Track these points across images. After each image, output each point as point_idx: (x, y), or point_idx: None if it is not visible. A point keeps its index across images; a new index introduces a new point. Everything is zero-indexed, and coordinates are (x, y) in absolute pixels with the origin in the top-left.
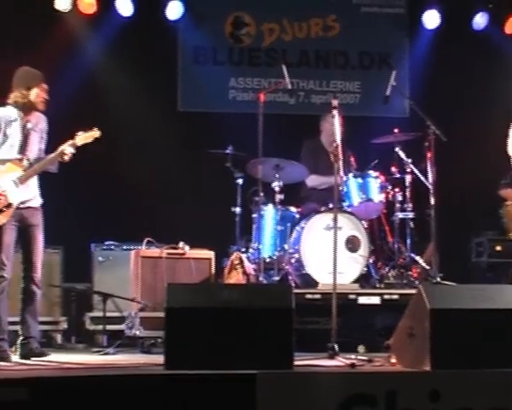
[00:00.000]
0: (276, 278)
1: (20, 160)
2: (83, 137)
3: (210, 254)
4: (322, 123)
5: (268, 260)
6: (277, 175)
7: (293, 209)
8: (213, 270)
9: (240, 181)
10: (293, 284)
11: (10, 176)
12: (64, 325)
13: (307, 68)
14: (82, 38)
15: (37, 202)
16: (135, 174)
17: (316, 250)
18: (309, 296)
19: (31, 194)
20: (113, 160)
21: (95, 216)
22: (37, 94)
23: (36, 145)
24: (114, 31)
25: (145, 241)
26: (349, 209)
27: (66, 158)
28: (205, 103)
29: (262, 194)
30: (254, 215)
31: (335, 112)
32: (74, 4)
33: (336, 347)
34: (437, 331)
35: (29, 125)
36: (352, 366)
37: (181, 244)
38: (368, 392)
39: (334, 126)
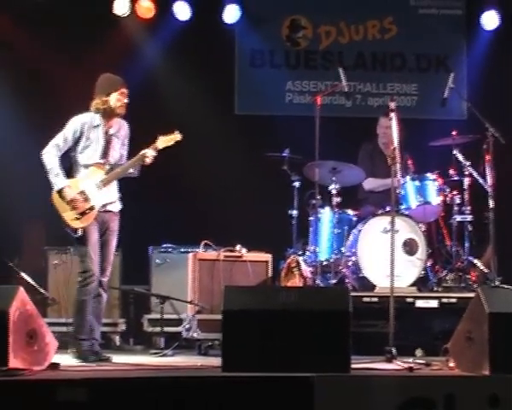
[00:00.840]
0: (333, 282)
1: (103, 163)
2: (164, 141)
3: (267, 256)
4: (379, 126)
5: (325, 263)
6: (334, 178)
7: (350, 212)
8: (270, 273)
9: (297, 184)
10: (350, 287)
11: (93, 179)
12: (122, 327)
13: (364, 71)
14: (140, 42)
15: (116, 206)
16: (192, 177)
17: (373, 253)
18: (366, 299)
19: (112, 197)
20: (171, 163)
21: (152, 219)
22: (116, 99)
23: (117, 151)
24: (172, 35)
25: (202, 243)
26: (406, 212)
27: (148, 161)
28: (262, 106)
29: (319, 197)
30: (311, 218)
31: (393, 114)
32: (132, 9)
33: (394, 350)
34: (496, 335)
35: (111, 131)
36: (410, 369)
37: (238, 247)
38: (426, 396)
39: (392, 129)
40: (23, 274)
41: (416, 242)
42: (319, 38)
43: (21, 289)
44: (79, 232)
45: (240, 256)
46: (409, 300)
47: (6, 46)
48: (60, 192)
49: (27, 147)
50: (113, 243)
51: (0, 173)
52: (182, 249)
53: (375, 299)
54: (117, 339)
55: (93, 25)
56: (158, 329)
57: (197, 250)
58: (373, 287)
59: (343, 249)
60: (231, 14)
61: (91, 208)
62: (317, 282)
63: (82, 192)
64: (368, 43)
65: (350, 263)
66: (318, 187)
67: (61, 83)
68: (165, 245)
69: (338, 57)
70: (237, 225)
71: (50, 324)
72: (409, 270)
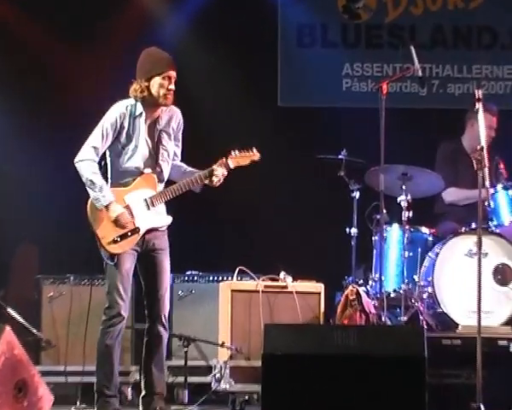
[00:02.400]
0: (404, 319)
1: (154, 173)
2: (237, 159)
3: (319, 287)
4: (468, 120)
5: (393, 294)
6: (405, 187)
7: (424, 230)
8: (323, 307)
9: (356, 194)
10: (425, 326)
11: (142, 193)
12: (135, 376)
13: (443, 50)
14: (159, 16)
15: (163, 221)
16: (222, 186)
17: (454, 283)
18: (446, 342)
19: (161, 220)
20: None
21: (173, 240)
22: (159, 85)
23: (169, 151)
24: (198, 7)
25: (237, 270)
26: (498, 230)
27: (216, 181)
28: (311, 96)
29: (385, 211)
30: (375, 238)
31: (479, 105)
32: None
33: (482, 408)
34: None
35: (158, 126)
36: None
37: (282, 275)
38: None
39: (479, 124)
40: (10, 310)
41: (510, 268)
42: (385, 9)
43: (8, 328)
44: (116, 259)
45: (284, 286)
46: (502, 343)
47: None
48: (105, 209)
49: (19, 153)
50: (167, 263)
51: None
52: (211, 278)
53: (458, 341)
54: (129, 392)
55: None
56: (181, 379)
57: (230, 279)
58: (455, 326)
59: (416, 278)
60: None
61: (135, 231)
62: (384, 319)
63: (127, 207)
64: (448, 13)
65: (425, 295)
66: (384, 198)
67: (67, 71)
68: (189, 272)
69: (409, 33)
70: (281, 246)
71: (44, 373)
72: (501, 304)
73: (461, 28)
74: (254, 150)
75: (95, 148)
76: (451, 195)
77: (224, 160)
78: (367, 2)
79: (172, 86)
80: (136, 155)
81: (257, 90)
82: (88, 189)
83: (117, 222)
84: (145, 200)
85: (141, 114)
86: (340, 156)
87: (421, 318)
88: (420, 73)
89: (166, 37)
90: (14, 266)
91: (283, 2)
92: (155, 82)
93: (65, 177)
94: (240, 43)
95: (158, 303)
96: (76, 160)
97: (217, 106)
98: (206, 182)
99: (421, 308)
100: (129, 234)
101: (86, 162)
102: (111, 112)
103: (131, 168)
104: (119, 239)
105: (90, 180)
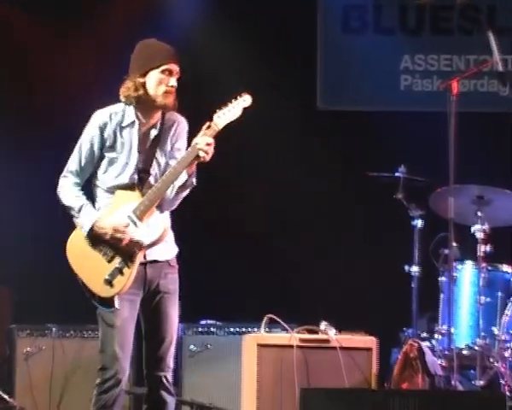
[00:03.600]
0: (480, 383)
1: (137, 183)
2: (223, 115)
3: (370, 341)
4: None
5: (465, 352)
6: (480, 213)
7: (506, 269)
8: (375, 367)
9: (418, 223)
10: (507, 393)
11: (124, 209)
12: None
13: None
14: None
15: (168, 251)
16: (248, 210)
17: None
18: None
19: (167, 250)
20: (214, 188)
21: (184, 280)
22: (157, 81)
23: (162, 166)
24: None
25: (265, 319)
26: None
27: (203, 154)
28: (359, 97)
29: (455, 244)
30: (442, 279)
31: None
32: None
33: None
34: None
35: (153, 133)
36: None
37: (323, 325)
38: None
39: None
40: None
41: None
42: None
43: None
44: (117, 305)
45: (325, 340)
46: None
47: None
48: (90, 235)
49: None
50: (174, 311)
51: None
52: (231, 329)
53: None
54: None
55: None
56: None
57: (256, 330)
58: None
59: (496, 330)
60: None
61: (137, 248)
62: (453, 383)
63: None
64: None
65: (507, 353)
66: (454, 228)
67: (60, 64)
68: (204, 322)
69: (487, 15)
70: (321, 288)
71: None
72: None
73: None
74: (243, 95)
75: (71, 172)
76: None
77: (207, 124)
78: None
79: (174, 82)
80: (126, 172)
81: (291, 89)
82: (73, 218)
83: (112, 239)
84: (129, 216)
85: (133, 122)
86: (397, 174)
87: (502, 382)
88: (501, 68)
89: (178, 22)
90: None
91: None
92: (152, 77)
93: (46, 202)
94: (269, 30)
95: (159, 361)
96: (57, 189)
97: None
98: (195, 160)
99: (503, 369)
100: (134, 259)
101: (63, 189)
102: (89, 125)
103: (116, 186)
104: (112, 279)
105: (68, 206)
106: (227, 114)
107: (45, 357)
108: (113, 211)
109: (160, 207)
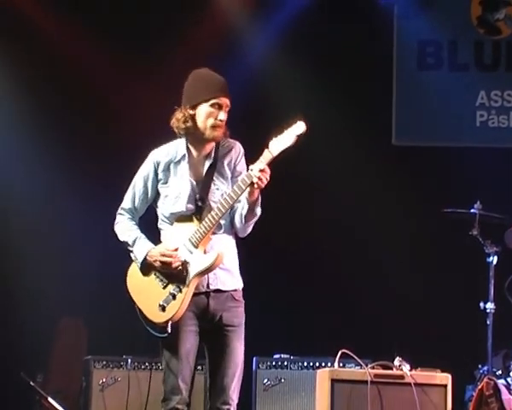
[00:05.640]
0: None
1: (193, 211)
2: (279, 141)
3: (444, 378)
4: None
5: None
6: None
7: None
8: (450, 404)
9: (494, 259)
10: None
11: (180, 237)
12: None
13: None
14: (242, 29)
15: (231, 280)
16: (325, 245)
17: None
18: None
19: (232, 280)
20: (289, 223)
21: (256, 314)
22: (206, 115)
23: (223, 192)
24: (292, 18)
25: (339, 354)
26: None
27: (256, 181)
28: (435, 133)
29: None
30: None
31: None
32: None
33: None
34: None
35: (207, 163)
36: None
37: (397, 361)
38: None
39: None
40: (51, 400)
41: None
42: None
43: None
44: (169, 328)
45: (400, 376)
46: None
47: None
48: (143, 265)
49: (60, 201)
50: (236, 344)
51: (23, 247)
52: (305, 363)
53: None
54: None
55: (171, 6)
56: None
57: (330, 365)
58: None
59: None
60: None
61: (183, 268)
62: None
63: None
64: None
65: None
66: None
67: (122, 94)
68: (277, 356)
69: None
70: (395, 324)
71: None
72: None
73: None
74: (297, 122)
75: (124, 209)
76: None
77: (264, 153)
78: (509, 11)
79: (223, 116)
80: (180, 203)
81: (366, 124)
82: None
83: (163, 265)
84: (184, 244)
85: (183, 156)
86: (472, 210)
87: None
88: None
89: (250, 55)
90: (58, 346)
91: (401, 14)
92: (202, 110)
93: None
94: (342, 66)
95: (222, 394)
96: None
97: (313, 147)
98: (249, 187)
99: None
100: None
101: (118, 226)
102: (144, 163)
103: (177, 216)
104: (166, 305)
105: (123, 241)
106: (281, 141)
107: (120, 388)
108: (169, 241)
109: (234, 234)
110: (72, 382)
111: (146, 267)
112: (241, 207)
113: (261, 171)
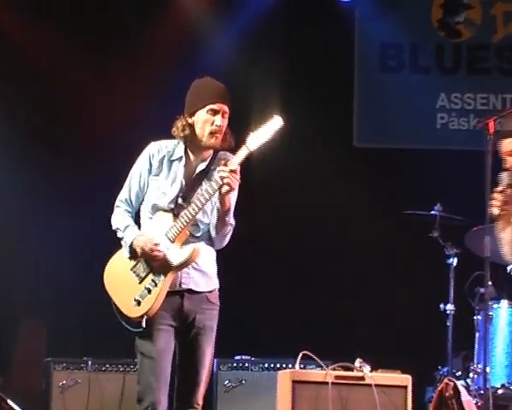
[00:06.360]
0: None
1: (173, 208)
2: (258, 136)
3: (405, 379)
4: None
5: (501, 391)
6: None
7: None
8: (410, 405)
9: (454, 261)
10: None
11: (161, 228)
12: None
13: None
14: (205, 30)
15: (207, 281)
16: (282, 247)
17: None
18: None
19: (207, 281)
20: (251, 224)
21: (219, 317)
22: (203, 121)
23: (211, 206)
24: (254, 19)
25: (300, 356)
26: None
27: (227, 181)
28: (396, 135)
29: (491, 283)
30: (478, 317)
31: None
32: None
33: None
34: None
35: (199, 167)
36: None
37: (357, 363)
38: None
39: None
40: (11, 402)
41: None
42: (493, 24)
43: None
44: (143, 323)
45: (360, 377)
46: None
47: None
48: (130, 250)
49: (18, 205)
50: (206, 348)
51: None
52: (266, 365)
53: None
54: None
55: (134, 6)
56: None
57: (291, 366)
58: None
59: None
60: None
61: (167, 267)
62: None
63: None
64: None
65: None
66: (490, 266)
67: (87, 97)
68: (239, 358)
69: None
70: (356, 325)
71: None
72: None
73: None
74: (274, 117)
75: (121, 201)
76: None
77: (242, 148)
78: (469, 15)
79: (219, 121)
80: (165, 199)
81: (327, 126)
82: (120, 240)
83: (144, 253)
84: (165, 233)
85: (180, 158)
86: (432, 212)
87: None
88: None
89: (215, 58)
90: (17, 348)
91: (362, 17)
92: (199, 117)
93: (80, 234)
94: (303, 67)
95: (188, 396)
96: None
97: (276, 148)
98: (220, 189)
99: None
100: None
101: (114, 217)
102: (140, 156)
103: (156, 208)
104: (141, 299)
105: (116, 228)
106: (259, 136)
107: (81, 390)
108: (150, 230)
109: (212, 246)
110: (33, 384)
111: (131, 253)
112: (216, 218)
113: (230, 171)
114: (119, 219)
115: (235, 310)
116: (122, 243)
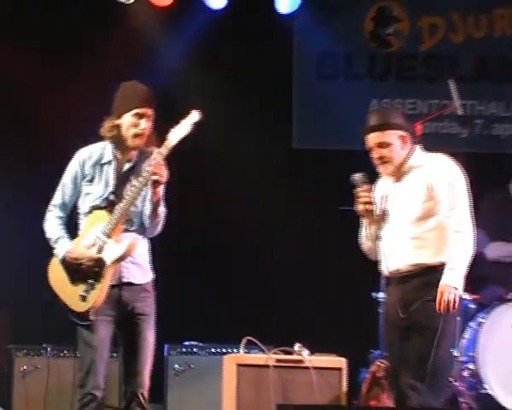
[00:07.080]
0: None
1: (106, 206)
2: (178, 131)
3: (340, 361)
4: None
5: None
6: None
7: (465, 296)
8: (345, 386)
9: None
10: None
11: (97, 226)
12: None
13: (488, 84)
14: (155, 40)
15: (143, 274)
16: (227, 242)
17: (501, 359)
18: None
19: (142, 273)
20: (195, 221)
21: (168, 304)
22: (128, 124)
23: (141, 198)
24: (200, 30)
25: (244, 341)
26: None
27: (157, 178)
28: (332, 137)
29: None
30: None
31: None
32: None
33: None
34: None
35: (126, 166)
36: None
37: (297, 347)
38: None
39: None
40: None
41: None
42: (420, 35)
43: None
44: (92, 316)
45: (299, 361)
46: None
47: None
48: (63, 263)
49: None
50: (150, 333)
51: None
52: (213, 350)
53: None
54: None
55: (91, 17)
56: None
57: (236, 351)
58: None
59: (455, 353)
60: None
61: (99, 265)
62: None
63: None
64: (494, 42)
65: (466, 373)
66: None
67: (47, 103)
68: (187, 343)
69: (449, 64)
70: (295, 312)
71: None
72: None
73: (509, 58)
74: (192, 112)
75: (54, 206)
76: (495, 250)
77: (165, 142)
78: (398, 27)
79: (143, 125)
80: (101, 198)
81: (267, 129)
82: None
83: (79, 266)
84: (97, 237)
85: (110, 161)
86: None
87: (460, 400)
88: (460, 112)
89: (163, 64)
90: None
91: (300, 28)
92: (125, 120)
93: (39, 225)
94: (246, 76)
95: (136, 378)
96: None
97: (219, 149)
98: (152, 181)
99: (461, 389)
100: (96, 274)
101: (47, 223)
102: (71, 162)
103: (94, 207)
104: (86, 294)
105: (48, 238)
106: (178, 131)
107: (41, 375)
108: (85, 233)
109: (144, 234)
110: None
111: (65, 265)
112: (149, 209)
113: (157, 164)
114: (51, 228)
115: (185, 297)
116: (54, 252)
